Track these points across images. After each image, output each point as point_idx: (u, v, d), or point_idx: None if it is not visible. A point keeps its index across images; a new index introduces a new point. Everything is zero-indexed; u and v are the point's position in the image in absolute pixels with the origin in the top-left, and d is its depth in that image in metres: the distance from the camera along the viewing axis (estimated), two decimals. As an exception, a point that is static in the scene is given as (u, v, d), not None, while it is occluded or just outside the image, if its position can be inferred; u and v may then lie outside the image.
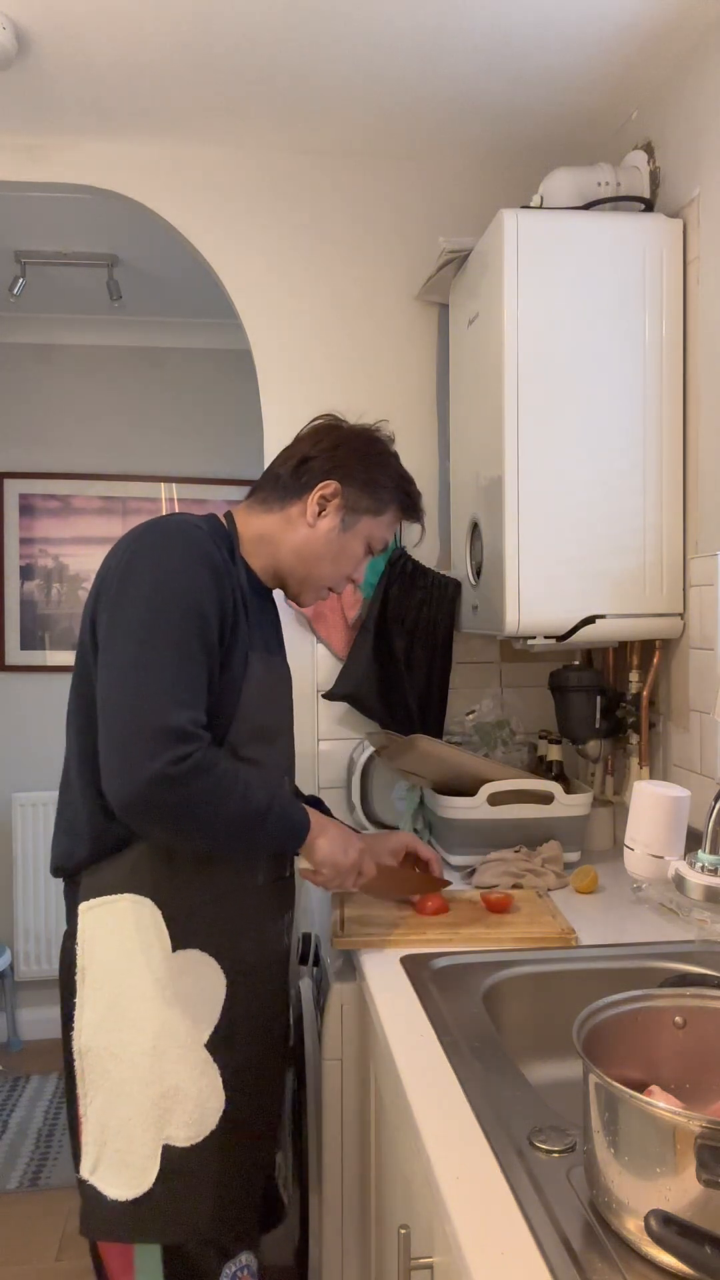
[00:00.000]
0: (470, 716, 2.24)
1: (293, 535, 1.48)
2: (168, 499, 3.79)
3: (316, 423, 1.57)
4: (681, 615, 1.93)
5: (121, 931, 1.33)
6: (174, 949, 1.33)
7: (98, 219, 2.75)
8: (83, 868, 1.36)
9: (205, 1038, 1.34)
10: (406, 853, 1.71)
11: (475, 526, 2.09)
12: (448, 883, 1.74)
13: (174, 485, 3.79)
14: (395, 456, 1.57)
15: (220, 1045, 1.34)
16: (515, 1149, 0.94)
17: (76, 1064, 1.34)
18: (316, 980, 1.72)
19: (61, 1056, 1.39)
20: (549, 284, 1.87)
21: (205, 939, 1.35)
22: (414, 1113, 1.02)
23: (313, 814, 1.41)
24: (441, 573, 2.29)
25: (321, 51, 1.92)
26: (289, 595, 1.56)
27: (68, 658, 3.73)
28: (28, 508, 3.72)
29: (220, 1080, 1.34)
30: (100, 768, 1.25)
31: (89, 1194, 1.33)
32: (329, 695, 2.30)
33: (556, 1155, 0.92)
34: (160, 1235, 1.31)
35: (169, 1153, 1.31)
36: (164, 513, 3.67)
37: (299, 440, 1.55)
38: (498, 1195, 0.87)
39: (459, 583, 2.24)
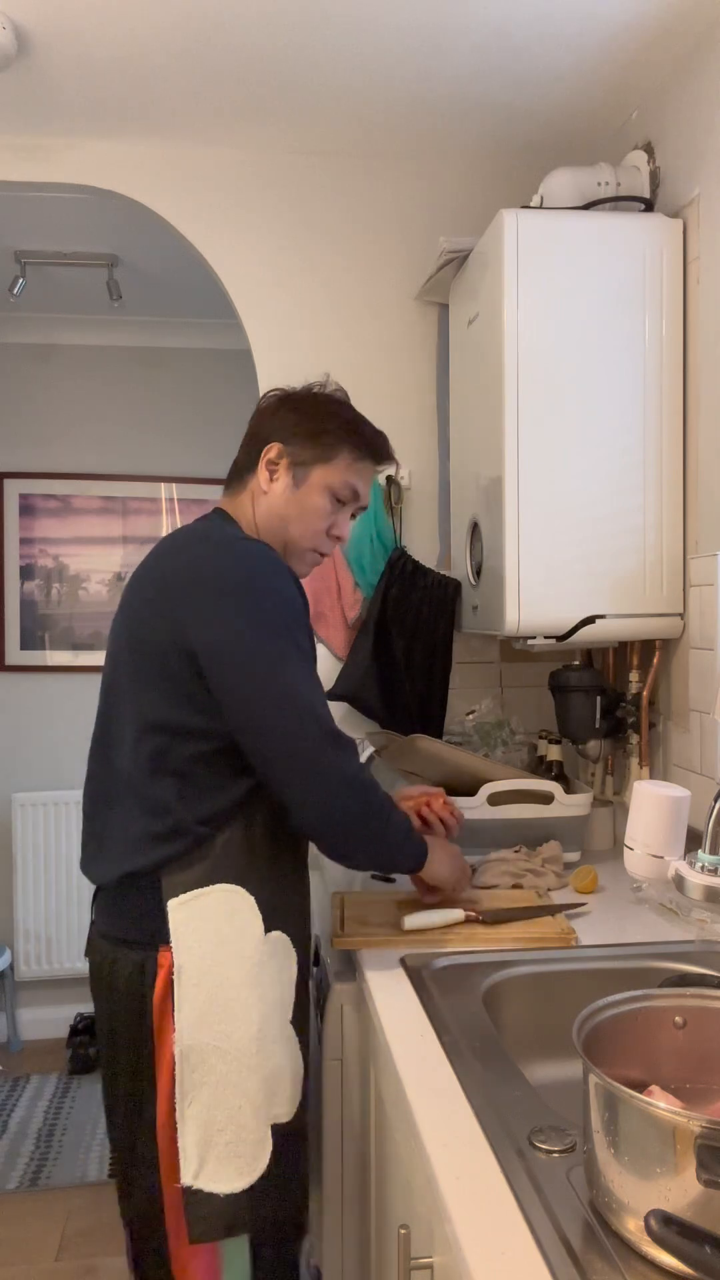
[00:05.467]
0: (470, 716, 2.24)
1: (257, 508, 1.51)
2: (168, 499, 3.79)
3: (259, 403, 1.58)
4: (681, 615, 1.93)
5: (216, 922, 1.34)
6: (265, 932, 1.37)
7: (98, 219, 2.75)
8: (162, 867, 1.35)
9: (290, 1015, 1.39)
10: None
11: (475, 526, 2.09)
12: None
13: (174, 485, 3.79)
14: (342, 404, 1.55)
15: (296, 1020, 1.40)
16: (515, 1149, 0.94)
17: (177, 1069, 1.31)
18: (316, 980, 1.72)
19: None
20: (549, 284, 1.87)
21: (284, 921, 1.40)
22: (414, 1113, 1.02)
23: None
24: (441, 573, 2.29)
25: (321, 51, 1.92)
26: None
27: (68, 658, 3.74)
28: (28, 508, 3.72)
29: (301, 1053, 1.40)
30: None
31: (195, 1199, 1.30)
32: (329, 695, 2.29)
33: (556, 1155, 0.92)
34: (274, 1216, 1.33)
35: (277, 1131, 1.34)
36: (164, 513, 3.74)
37: (248, 425, 1.57)
38: (498, 1195, 0.87)
39: (459, 583, 2.24)
